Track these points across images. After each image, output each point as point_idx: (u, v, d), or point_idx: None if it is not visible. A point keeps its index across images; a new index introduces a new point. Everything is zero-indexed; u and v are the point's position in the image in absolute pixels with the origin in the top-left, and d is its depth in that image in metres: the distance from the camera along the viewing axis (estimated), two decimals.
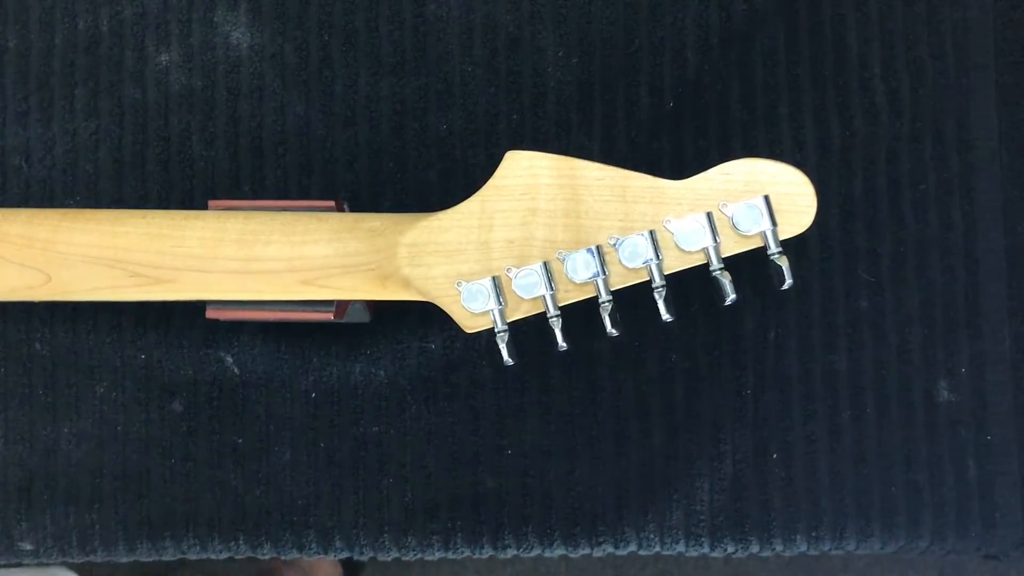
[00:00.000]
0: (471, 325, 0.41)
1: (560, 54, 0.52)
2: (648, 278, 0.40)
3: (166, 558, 0.52)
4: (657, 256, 0.39)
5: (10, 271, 0.44)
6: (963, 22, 0.52)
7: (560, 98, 0.52)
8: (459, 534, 0.51)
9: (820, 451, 0.50)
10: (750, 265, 0.42)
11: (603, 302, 0.40)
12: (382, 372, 0.52)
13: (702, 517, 0.50)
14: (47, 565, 0.53)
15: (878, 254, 0.51)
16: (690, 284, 0.44)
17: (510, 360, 0.41)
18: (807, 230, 0.39)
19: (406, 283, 0.42)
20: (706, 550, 0.51)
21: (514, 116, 0.52)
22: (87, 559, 0.52)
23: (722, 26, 0.52)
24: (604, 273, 0.40)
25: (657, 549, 0.51)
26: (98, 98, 0.53)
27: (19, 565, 0.53)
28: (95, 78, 0.53)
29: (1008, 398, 0.51)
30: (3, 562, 0.53)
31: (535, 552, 0.51)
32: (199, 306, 0.50)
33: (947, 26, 0.52)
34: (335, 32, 0.53)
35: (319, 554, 0.52)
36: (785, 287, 0.39)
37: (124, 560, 0.53)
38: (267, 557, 0.52)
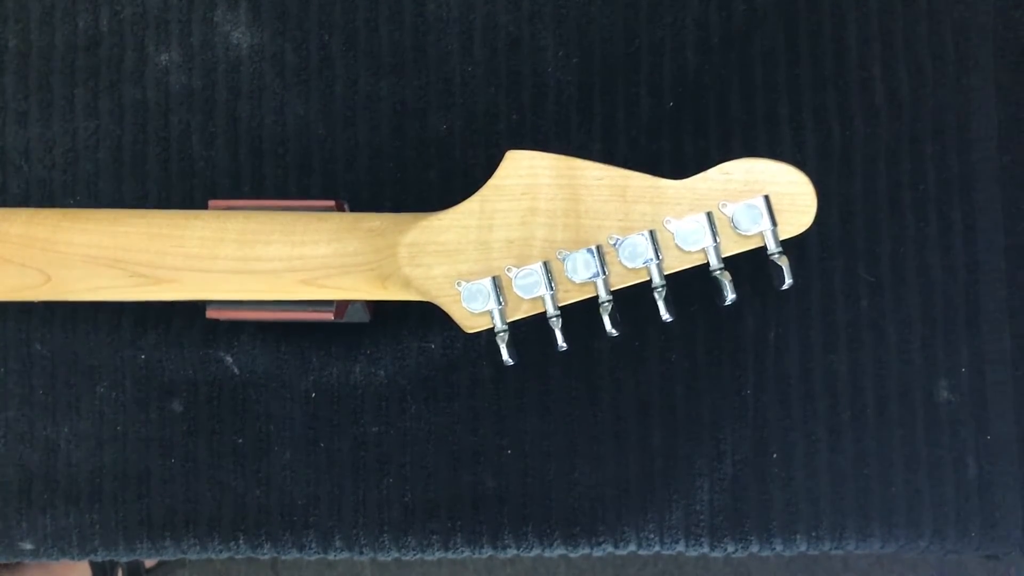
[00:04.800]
0: (471, 325, 0.41)
1: (560, 54, 0.52)
2: (648, 278, 0.40)
3: (166, 558, 0.52)
4: (657, 256, 0.39)
5: (10, 271, 0.44)
6: (963, 22, 0.52)
7: (560, 98, 0.52)
8: (459, 534, 0.51)
9: (820, 451, 0.50)
10: (750, 265, 0.42)
11: (603, 302, 0.40)
12: (382, 372, 0.52)
13: (702, 517, 0.50)
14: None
15: (878, 254, 0.51)
16: (690, 284, 0.44)
17: (510, 360, 0.41)
18: (807, 230, 0.39)
19: (406, 283, 0.42)
20: (706, 550, 0.51)
21: (514, 116, 0.52)
22: (87, 559, 0.52)
23: (722, 26, 0.52)
24: (604, 273, 0.40)
25: (657, 549, 0.51)
26: (98, 98, 0.53)
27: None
28: (95, 78, 0.53)
29: (1008, 398, 0.51)
30: (3, 561, 0.53)
31: (535, 552, 0.51)
32: (199, 306, 0.50)
33: (947, 26, 0.52)
34: (335, 32, 0.53)
35: (319, 554, 0.52)
36: (785, 287, 0.39)
37: (124, 560, 0.53)
38: (267, 557, 0.52)
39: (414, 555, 0.51)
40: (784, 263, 0.38)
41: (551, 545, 0.51)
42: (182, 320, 0.52)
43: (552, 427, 0.51)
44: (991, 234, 0.51)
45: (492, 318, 0.41)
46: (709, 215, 0.39)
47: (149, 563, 1.02)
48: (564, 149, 0.42)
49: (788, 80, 0.52)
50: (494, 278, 0.40)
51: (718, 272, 0.39)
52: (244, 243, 0.43)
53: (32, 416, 0.52)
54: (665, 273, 0.40)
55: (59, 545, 0.52)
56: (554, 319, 0.40)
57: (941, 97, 0.52)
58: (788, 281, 0.39)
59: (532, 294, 0.40)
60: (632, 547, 0.51)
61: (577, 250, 0.40)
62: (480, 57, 0.52)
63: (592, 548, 0.51)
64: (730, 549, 0.51)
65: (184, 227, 0.44)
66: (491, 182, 0.40)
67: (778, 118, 0.52)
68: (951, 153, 0.51)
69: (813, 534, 0.50)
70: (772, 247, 0.39)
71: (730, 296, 0.39)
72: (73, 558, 0.52)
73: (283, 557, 0.52)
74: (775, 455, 0.50)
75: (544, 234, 0.40)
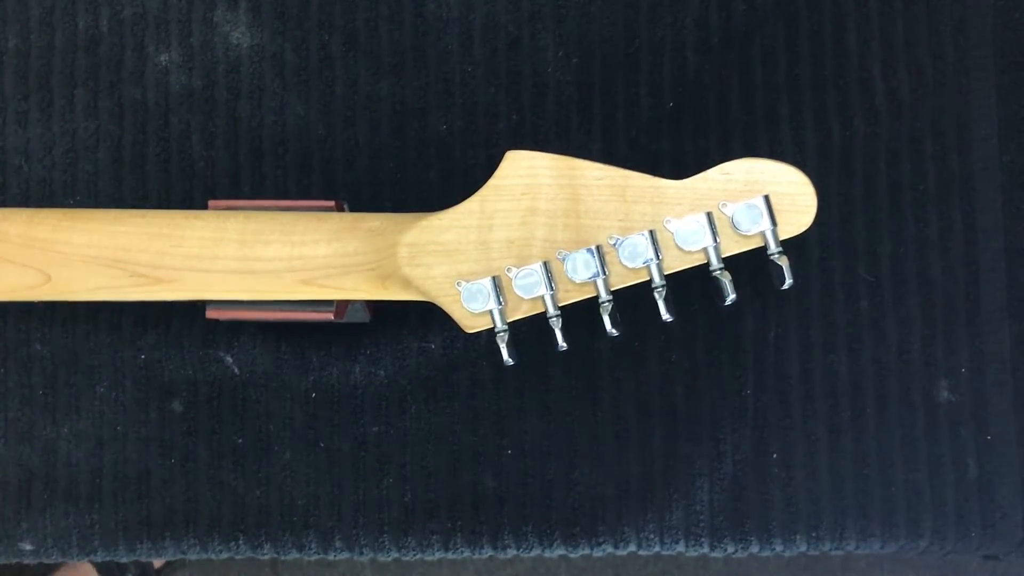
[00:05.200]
0: (471, 325, 0.41)
1: (560, 54, 0.52)
2: (648, 278, 0.40)
3: (166, 558, 0.52)
4: (657, 256, 0.39)
5: (10, 271, 0.44)
6: (963, 22, 0.52)
7: (560, 98, 0.52)
8: (459, 534, 0.51)
9: (820, 451, 0.50)
10: (750, 265, 0.42)
11: (603, 302, 0.40)
12: (382, 372, 0.52)
13: (702, 517, 0.50)
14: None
15: (878, 254, 0.51)
16: (690, 284, 0.44)
17: (510, 360, 0.41)
18: (807, 230, 0.39)
19: (406, 283, 0.42)
20: (706, 550, 0.51)
21: (514, 116, 0.52)
22: (87, 559, 0.52)
23: (722, 26, 0.52)
24: (604, 273, 0.40)
25: (657, 549, 0.51)
26: (98, 98, 0.53)
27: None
28: (95, 78, 0.53)
29: (1008, 398, 0.51)
30: (3, 562, 0.53)
31: (535, 552, 0.51)
32: (199, 306, 0.50)
33: (947, 26, 0.52)
34: (335, 32, 0.53)
35: (319, 554, 0.52)
36: (785, 287, 0.39)
37: (124, 560, 0.53)
38: (267, 557, 0.52)
39: (414, 555, 0.51)
40: (784, 263, 0.38)
41: (551, 545, 0.51)
42: (182, 320, 0.52)
43: (552, 427, 0.51)
44: (991, 234, 0.51)
45: (492, 318, 0.41)
46: (709, 215, 0.39)
47: (157, 563, 1.02)
48: (564, 149, 0.42)
49: (788, 80, 0.52)
50: (494, 278, 0.40)
51: (718, 272, 0.39)
52: (244, 243, 0.43)
53: (32, 416, 0.52)
54: (665, 273, 0.40)
55: (59, 545, 0.52)
56: (554, 319, 0.40)
57: (941, 97, 0.52)
58: (788, 281, 0.39)
59: (532, 294, 0.40)
60: (632, 547, 0.51)
61: (577, 250, 0.40)
62: (480, 57, 0.52)
63: (592, 548, 0.51)
64: (730, 549, 0.51)
65: (184, 227, 0.44)
66: (491, 182, 0.40)
67: (778, 118, 0.52)
68: (951, 153, 0.51)
69: (813, 534, 0.50)
70: (772, 247, 0.39)
71: (730, 296, 0.39)
72: (73, 558, 0.52)
73: (283, 557, 0.52)
74: (775, 455, 0.50)
75: (544, 234, 0.40)
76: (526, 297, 0.40)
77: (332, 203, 0.46)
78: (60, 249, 0.44)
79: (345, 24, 0.53)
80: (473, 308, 0.41)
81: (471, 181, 0.52)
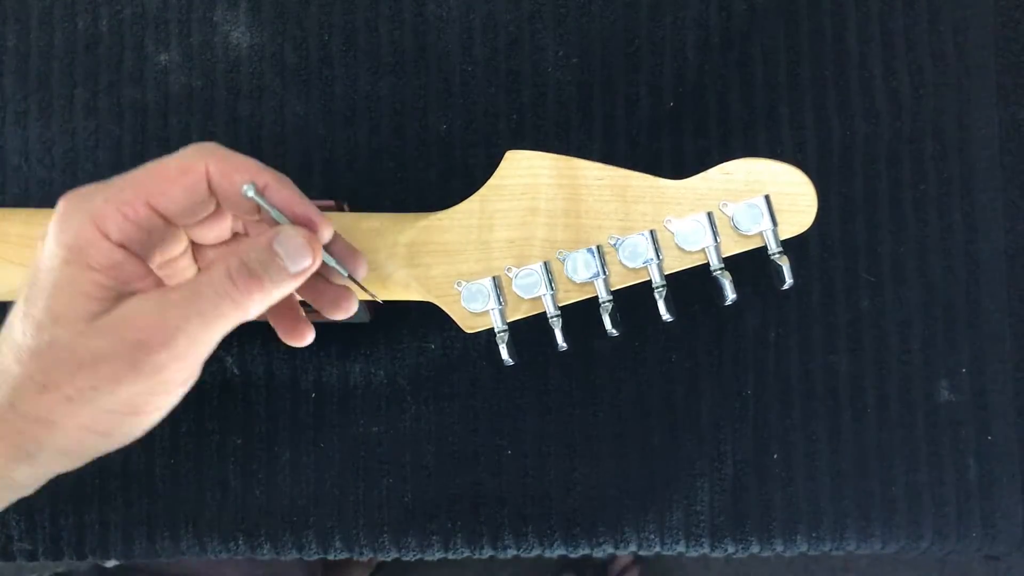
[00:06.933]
0: (471, 325, 0.41)
1: (560, 54, 0.52)
2: (648, 278, 0.40)
3: (165, 558, 0.52)
4: (657, 256, 0.39)
5: (10, 271, 0.44)
6: (963, 22, 0.52)
7: (560, 98, 0.52)
8: (459, 534, 0.51)
9: (820, 451, 0.50)
10: (750, 265, 0.42)
11: (603, 302, 0.40)
12: (381, 372, 0.52)
13: (702, 517, 0.50)
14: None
15: (878, 254, 0.51)
16: (690, 284, 0.44)
17: (510, 360, 0.41)
18: (807, 230, 0.39)
19: (406, 283, 0.42)
20: (706, 550, 0.51)
21: (514, 116, 0.52)
22: (86, 559, 0.52)
23: (722, 26, 0.52)
24: (604, 273, 0.40)
25: (657, 549, 0.51)
26: (98, 98, 0.53)
27: None
28: (95, 78, 0.53)
29: (1008, 398, 0.51)
30: (2, 562, 0.53)
31: (535, 552, 0.51)
32: None
33: (947, 26, 0.52)
34: (335, 32, 0.53)
35: (319, 554, 0.51)
36: (785, 287, 0.39)
37: (123, 561, 0.53)
38: (266, 557, 0.52)
39: (414, 555, 0.51)
40: (784, 263, 0.38)
41: (551, 545, 0.51)
42: None
43: (552, 427, 0.51)
44: (991, 234, 0.51)
45: (492, 318, 0.41)
46: (710, 215, 0.39)
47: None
48: (564, 149, 0.42)
49: (788, 80, 0.52)
50: (494, 278, 0.40)
51: (718, 272, 0.39)
52: None
53: None
54: (665, 273, 0.40)
55: (58, 545, 0.52)
56: (554, 319, 0.40)
57: (941, 97, 0.52)
58: (788, 281, 0.39)
59: (532, 294, 0.40)
60: (632, 547, 0.51)
61: (577, 250, 0.40)
62: (480, 57, 0.52)
63: (592, 548, 0.51)
64: (731, 550, 0.51)
65: None
66: (491, 182, 0.40)
67: (778, 118, 0.52)
68: (951, 153, 0.51)
69: (813, 534, 0.50)
70: (772, 247, 0.39)
71: (730, 296, 0.39)
72: (72, 558, 0.52)
73: (283, 557, 0.52)
74: (776, 455, 0.50)
75: (544, 234, 0.40)
76: (526, 297, 0.40)
77: (332, 203, 0.46)
78: None
79: (345, 24, 0.53)
80: (473, 308, 0.41)
81: (471, 181, 0.52)
